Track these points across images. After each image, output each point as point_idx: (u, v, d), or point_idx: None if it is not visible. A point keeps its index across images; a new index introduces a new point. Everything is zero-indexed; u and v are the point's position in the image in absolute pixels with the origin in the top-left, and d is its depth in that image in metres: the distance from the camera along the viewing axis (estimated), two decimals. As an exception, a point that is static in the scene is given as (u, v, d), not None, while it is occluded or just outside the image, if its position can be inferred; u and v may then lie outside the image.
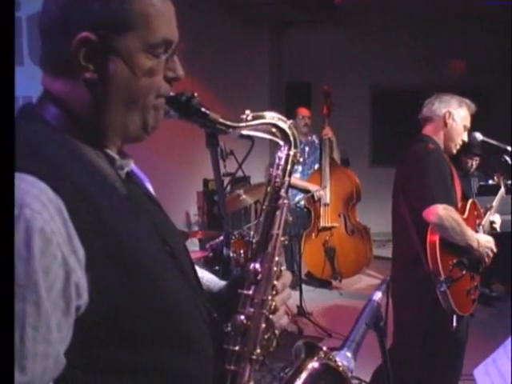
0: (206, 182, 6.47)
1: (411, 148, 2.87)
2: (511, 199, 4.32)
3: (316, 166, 5.93)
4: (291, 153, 1.15)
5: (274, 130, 1.15)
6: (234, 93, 7.20)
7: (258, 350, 1.03)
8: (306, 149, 5.97)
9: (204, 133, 1.26)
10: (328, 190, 5.77)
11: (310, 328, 4.72)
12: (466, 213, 2.82)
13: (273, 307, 1.07)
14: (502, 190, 3.27)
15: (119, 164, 1.00)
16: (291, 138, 1.15)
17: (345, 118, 7.74)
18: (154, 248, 0.96)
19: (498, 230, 3.04)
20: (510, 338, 1.37)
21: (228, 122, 1.10)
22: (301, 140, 5.95)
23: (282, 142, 1.16)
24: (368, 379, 3.09)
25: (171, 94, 1.04)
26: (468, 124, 2.85)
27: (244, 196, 4.44)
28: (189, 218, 7.02)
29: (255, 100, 7.60)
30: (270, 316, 1.07)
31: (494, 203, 3.10)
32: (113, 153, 0.99)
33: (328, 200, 5.81)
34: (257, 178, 6.36)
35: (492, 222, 2.99)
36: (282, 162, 1.15)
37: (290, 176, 1.15)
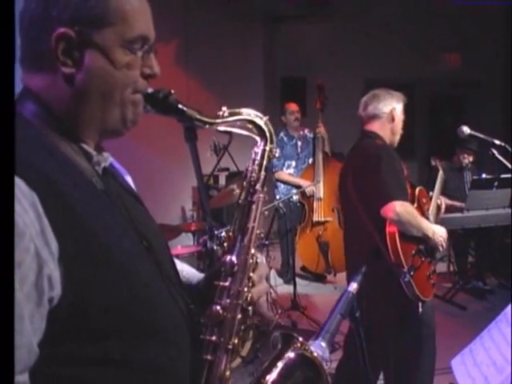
0: (200, 177, 6.48)
1: (359, 145, 2.97)
2: (511, 193, 4.36)
3: (310, 160, 5.96)
4: (267, 148, 1.18)
5: (250, 126, 1.18)
6: (229, 88, 7.21)
7: (235, 340, 1.05)
8: (299, 143, 6.00)
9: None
10: (321, 184, 5.79)
11: (304, 321, 4.73)
12: (416, 202, 2.91)
13: (249, 299, 1.09)
14: (441, 172, 3.38)
15: (96, 160, 1.02)
16: (267, 134, 1.18)
17: (339, 111, 7.73)
18: (128, 242, 0.98)
19: (443, 211, 3.15)
20: (486, 329, 1.40)
21: (205, 119, 1.13)
22: (293, 135, 5.98)
23: (258, 138, 1.19)
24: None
25: (149, 90, 1.06)
26: (403, 116, 2.98)
27: (238, 190, 4.46)
28: (184, 213, 7.05)
29: (250, 95, 7.60)
30: (249, 307, 1.09)
31: (436, 188, 3.21)
32: (90, 148, 1.01)
33: (321, 195, 5.83)
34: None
35: (438, 208, 3.11)
36: (258, 157, 1.18)
37: (265, 171, 1.17)
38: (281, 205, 5.30)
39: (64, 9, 0.92)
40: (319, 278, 6.10)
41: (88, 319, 0.88)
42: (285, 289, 5.49)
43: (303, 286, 5.66)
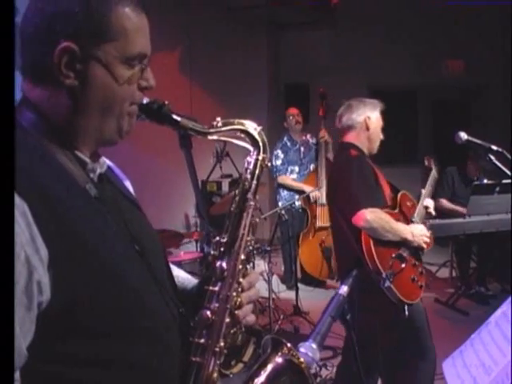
0: (203, 184, 6.53)
1: (337, 157, 3.05)
2: (511, 198, 4.36)
3: (312, 166, 6.00)
4: (260, 158, 1.21)
5: (243, 135, 1.22)
6: (233, 95, 7.25)
7: (222, 343, 1.08)
8: (302, 149, 6.04)
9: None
10: (324, 190, 5.82)
11: (306, 327, 4.76)
12: (398, 207, 2.93)
13: (238, 303, 1.13)
14: (434, 172, 3.38)
15: (90, 167, 1.05)
16: (260, 144, 1.21)
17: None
18: (120, 246, 1.01)
19: (433, 213, 3.12)
20: (477, 331, 1.42)
21: (198, 128, 1.17)
22: (296, 140, 6.02)
23: (251, 148, 1.23)
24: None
25: (144, 101, 1.10)
26: (382, 123, 3.02)
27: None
28: (188, 220, 7.08)
29: (254, 102, 7.65)
30: (236, 311, 1.12)
31: (426, 188, 3.19)
32: (85, 156, 1.04)
33: (325, 200, 5.85)
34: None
35: (426, 208, 3.08)
36: (251, 167, 1.21)
37: (258, 180, 1.20)
38: (283, 211, 5.33)
39: (68, 23, 0.95)
40: (321, 283, 6.12)
41: (79, 321, 0.91)
42: (288, 295, 5.50)
43: (306, 292, 5.67)
